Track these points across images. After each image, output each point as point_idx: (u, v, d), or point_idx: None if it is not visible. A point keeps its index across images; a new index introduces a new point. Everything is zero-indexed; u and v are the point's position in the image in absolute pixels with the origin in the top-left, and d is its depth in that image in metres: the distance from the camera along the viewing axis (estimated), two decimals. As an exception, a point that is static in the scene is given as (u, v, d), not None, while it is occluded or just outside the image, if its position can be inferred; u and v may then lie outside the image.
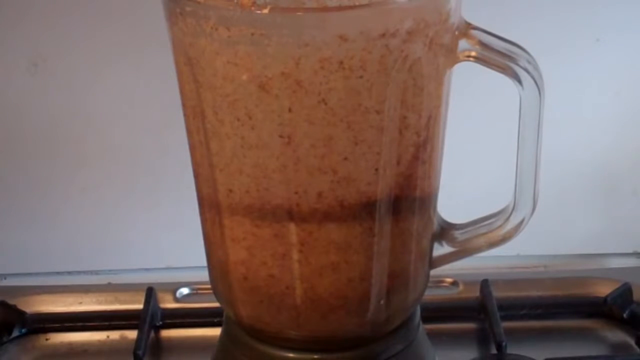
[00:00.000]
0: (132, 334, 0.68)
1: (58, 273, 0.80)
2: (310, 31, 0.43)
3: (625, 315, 0.71)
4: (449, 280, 0.75)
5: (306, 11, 0.45)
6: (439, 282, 0.74)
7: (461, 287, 0.74)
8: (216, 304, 0.57)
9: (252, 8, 0.43)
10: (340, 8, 0.44)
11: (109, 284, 0.79)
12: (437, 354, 0.59)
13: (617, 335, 0.70)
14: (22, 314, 0.71)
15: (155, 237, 0.80)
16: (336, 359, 0.53)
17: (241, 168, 0.48)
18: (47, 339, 0.70)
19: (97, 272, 0.81)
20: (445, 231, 0.55)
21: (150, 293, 0.71)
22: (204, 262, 0.56)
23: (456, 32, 0.48)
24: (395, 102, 0.46)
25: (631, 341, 0.69)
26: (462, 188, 0.74)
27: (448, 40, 0.47)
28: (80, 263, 0.80)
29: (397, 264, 0.51)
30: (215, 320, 0.64)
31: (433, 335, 0.60)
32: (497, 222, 0.53)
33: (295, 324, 0.52)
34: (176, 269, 0.80)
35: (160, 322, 0.71)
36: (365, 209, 0.48)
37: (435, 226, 0.54)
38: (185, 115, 0.51)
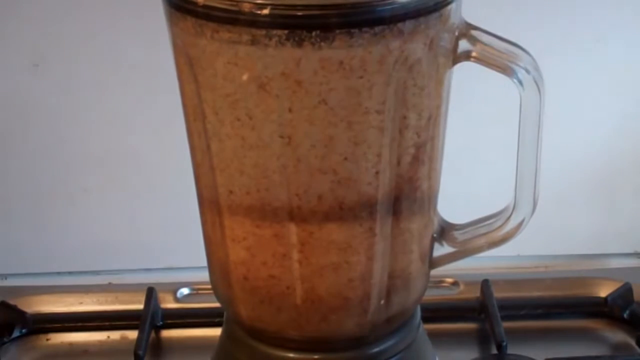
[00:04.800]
0: (133, 334, 0.68)
1: (58, 273, 0.81)
2: (310, 31, 0.43)
3: (625, 316, 0.71)
4: (450, 280, 0.75)
5: (306, 11, 0.45)
6: (439, 282, 0.74)
7: (462, 287, 0.74)
8: (216, 304, 0.57)
9: (253, 8, 0.43)
10: (340, 7, 0.43)
11: (110, 284, 0.79)
12: (438, 354, 0.59)
13: (618, 336, 0.70)
14: (22, 314, 0.71)
15: (155, 237, 0.80)
16: (336, 359, 0.53)
17: (241, 168, 0.48)
18: (47, 339, 0.71)
19: (97, 272, 0.81)
20: (445, 231, 0.55)
21: (150, 293, 0.71)
22: (205, 262, 0.56)
23: (456, 33, 0.48)
24: (395, 102, 0.46)
25: (631, 341, 0.69)
26: (463, 188, 0.74)
27: (448, 41, 0.47)
28: (81, 263, 0.80)
29: (398, 264, 0.51)
30: (216, 320, 0.64)
31: (433, 336, 0.60)
32: (498, 223, 0.53)
33: (296, 324, 0.52)
34: (176, 269, 0.80)
35: (161, 322, 0.71)
36: (366, 210, 0.48)
37: (435, 226, 0.54)
38: (185, 115, 0.51)
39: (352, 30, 0.43)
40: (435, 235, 0.54)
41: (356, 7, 0.43)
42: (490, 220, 0.54)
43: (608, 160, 0.80)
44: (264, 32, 0.43)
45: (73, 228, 0.79)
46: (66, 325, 0.71)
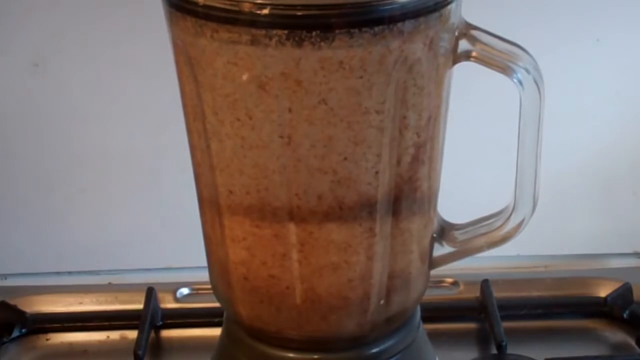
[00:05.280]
0: (132, 334, 0.68)
1: (58, 273, 0.81)
2: (310, 31, 0.43)
3: (625, 315, 0.71)
4: (449, 280, 0.75)
5: (306, 11, 0.45)
6: (439, 282, 0.74)
7: (461, 287, 0.74)
8: (216, 304, 0.57)
9: (253, 8, 0.43)
10: (340, 7, 0.43)
11: (109, 284, 0.79)
12: (438, 354, 0.59)
13: (617, 335, 0.70)
14: (22, 314, 0.71)
15: (155, 237, 0.80)
16: (336, 359, 0.53)
17: (241, 168, 0.48)
18: (47, 339, 0.71)
19: (97, 272, 0.81)
20: (445, 231, 0.55)
21: (150, 293, 0.71)
22: (204, 262, 0.56)
23: (456, 33, 0.48)
24: (395, 102, 0.46)
25: (631, 341, 0.69)
26: (463, 188, 0.74)
27: (448, 41, 0.47)
28: (80, 263, 0.80)
29: (397, 264, 0.51)
30: (216, 320, 0.64)
31: (433, 336, 0.60)
32: (497, 222, 0.53)
33: (296, 324, 0.52)
34: (176, 269, 0.80)
35: (161, 322, 0.71)
36: (366, 209, 0.48)
37: (435, 226, 0.54)
38: (185, 115, 0.51)
39: (352, 30, 0.43)
40: (435, 235, 0.54)
41: (356, 7, 0.43)
42: (490, 220, 0.54)
43: (608, 160, 0.80)
44: (264, 32, 0.43)
45: (73, 228, 0.79)
46: (66, 325, 0.71)
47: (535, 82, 0.49)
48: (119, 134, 0.77)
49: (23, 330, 0.70)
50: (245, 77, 0.45)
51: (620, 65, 0.77)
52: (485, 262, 0.70)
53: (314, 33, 0.43)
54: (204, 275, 0.57)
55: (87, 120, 0.76)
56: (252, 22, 0.43)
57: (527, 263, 0.81)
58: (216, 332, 0.59)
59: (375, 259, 0.50)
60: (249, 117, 0.46)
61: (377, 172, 0.47)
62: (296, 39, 0.43)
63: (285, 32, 0.43)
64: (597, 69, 0.76)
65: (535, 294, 0.74)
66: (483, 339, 0.70)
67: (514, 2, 0.74)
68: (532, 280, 0.75)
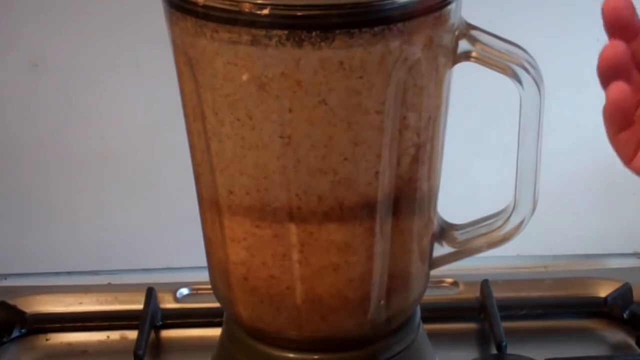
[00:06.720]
0: (132, 334, 0.68)
1: (58, 273, 0.80)
2: (310, 31, 0.43)
3: (625, 316, 0.71)
4: (449, 280, 0.75)
5: (306, 11, 0.45)
6: (439, 283, 0.74)
7: (461, 287, 0.74)
8: (216, 304, 0.57)
9: (253, 8, 0.43)
10: (340, 7, 0.43)
11: (109, 284, 0.79)
12: (438, 354, 0.59)
13: (617, 335, 0.70)
14: (22, 314, 0.71)
15: (155, 237, 0.80)
16: (336, 359, 0.53)
17: (241, 169, 0.48)
18: (47, 339, 0.71)
19: (97, 272, 0.81)
20: (445, 231, 0.55)
21: (150, 293, 0.71)
22: (204, 263, 0.56)
23: (456, 33, 0.48)
24: (395, 102, 0.46)
25: (631, 341, 0.69)
26: (463, 188, 0.74)
27: (448, 41, 0.47)
28: (80, 263, 0.80)
29: (397, 264, 0.51)
30: (215, 320, 0.64)
31: (433, 336, 0.60)
32: (497, 223, 0.53)
33: (296, 324, 0.52)
34: (176, 269, 0.80)
35: (161, 322, 0.71)
36: (366, 210, 0.48)
37: (435, 226, 0.54)
38: (185, 115, 0.51)
39: (352, 30, 0.43)
40: (435, 235, 0.54)
41: (356, 7, 0.43)
42: (490, 220, 0.54)
43: (608, 160, 0.79)
44: (264, 32, 0.43)
45: (72, 228, 0.79)
46: (65, 325, 0.71)
47: (535, 82, 0.49)
48: (119, 133, 0.77)
49: (23, 331, 0.70)
50: (245, 77, 0.45)
51: (620, 65, 0.76)
52: (485, 262, 0.70)
53: (314, 33, 0.43)
54: (204, 275, 0.57)
55: (87, 120, 0.76)
56: (252, 22, 0.43)
57: (527, 263, 0.81)
58: (216, 332, 0.59)
59: (375, 259, 0.50)
60: (249, 117, 0.46)
61: (377, 173, 0.47)
62: (296, 39, 0.43)
63: (285, 32, 0.43)
64: (597, 69, 0.76)
65: (535, 294, 0.74)
66: (483, 339, 0.70)
67: (514, 2, 0.73)
68: (532, 281, 0.75)
